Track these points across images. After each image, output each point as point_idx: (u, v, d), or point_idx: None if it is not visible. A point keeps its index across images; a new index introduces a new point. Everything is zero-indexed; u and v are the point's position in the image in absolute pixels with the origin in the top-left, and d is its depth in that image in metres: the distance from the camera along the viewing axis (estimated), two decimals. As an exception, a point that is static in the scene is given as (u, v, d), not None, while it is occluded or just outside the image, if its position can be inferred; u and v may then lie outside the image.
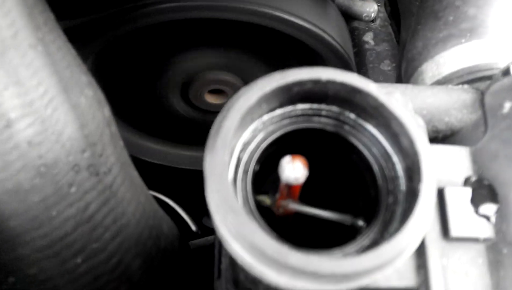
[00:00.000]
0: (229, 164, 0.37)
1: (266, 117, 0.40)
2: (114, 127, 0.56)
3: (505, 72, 0.54)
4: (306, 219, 0.44)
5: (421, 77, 0.66)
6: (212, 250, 0.64)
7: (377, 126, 0.40)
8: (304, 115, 0.41)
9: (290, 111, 0.41)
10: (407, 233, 0.32)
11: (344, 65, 0.84)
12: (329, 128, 0.42)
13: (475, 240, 0.40)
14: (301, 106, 0.40)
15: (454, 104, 0.57)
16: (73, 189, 0.48)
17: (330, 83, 0.38)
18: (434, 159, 0.43)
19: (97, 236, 0.51)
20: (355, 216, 0.42)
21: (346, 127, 0.41)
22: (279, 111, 0.40)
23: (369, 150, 0.41)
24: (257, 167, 0.42)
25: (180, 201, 0.90)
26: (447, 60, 0.64)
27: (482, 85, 0.60)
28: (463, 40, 0.63)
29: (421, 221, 0.33)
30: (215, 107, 1.03)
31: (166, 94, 1.00)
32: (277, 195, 0.43)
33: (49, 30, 0.49)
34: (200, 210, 0.88)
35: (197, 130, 1.08)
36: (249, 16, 0.79)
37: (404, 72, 0.72)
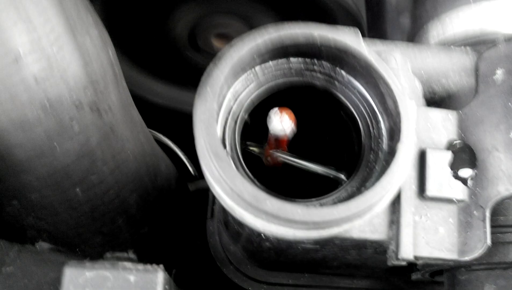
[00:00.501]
0: (218, 112, 0.38)
1: (258, 68, 0.41)
2: (117, 67, 0.58)
3: (508, 39, 0.54)
4: (293, 170, 0.46)
5: (425, 36, 0.65)
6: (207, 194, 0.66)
7: (366, 84, 0.41)
8: (297, 68, 0.42)
9: (283, 64, 0.42)
10: (378, 190, 0.34)
11: (355, 21, 0.83)
12: (320, 83, 0.43)
13: (449, 201, 0.42)
14: (293, 60, 0.41)
15: (453, 66, 0.58)
16: (74, 123, 0.50)
17: (322, 40, 0.38)
18: (419, 121, 0.44)
19: (96, 169, 0.54)
20: (339, 170, 0.44)
21: (337, 84, 0.42)
22: (271, 63, 0.41)
23: (357, 107, 0.42)
24: (247, 117, 0.43)
25: (182, 144, 0.93)
26: (453, 20, 0.63)
27: (484, 48, 0.60)
28: (471, 1, 0.62)
29: (393, 181, 0.35)
30: (222, 52, 1.03)
31: (174, 37, 1.00)
32: (266, 145, 0.45)
33: None
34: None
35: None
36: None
37: (410, 29, 0.72)
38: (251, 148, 0.47)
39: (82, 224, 0.57)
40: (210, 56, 1.05)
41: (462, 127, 0.44)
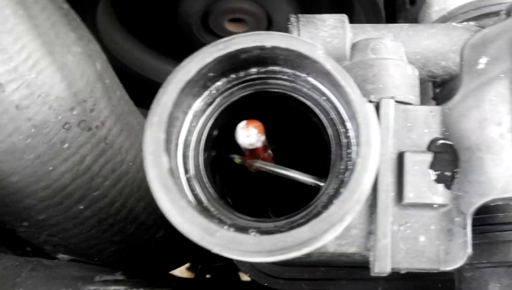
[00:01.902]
0: (177, 137, 0.38)
1: (220, 83, 0.40)
2: (108, 79, 0.58)
3: (509, 11, 0.48)
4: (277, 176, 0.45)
5: (428, 11, 0.60)
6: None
7: (331, 89, 0.38)
8: (259, 78, 0.40)
9: (245, 75, 0.40)
10: (335, 210, 0.33)
11: (372, 3, 0.78)
12: (286, 89, 0.41)
13: (430, 206, 0.39)
14: (254, 70, 0.40)
15: (453, 46, 0.53)
16: (66, 145, 0.52)
17: (277, 49, 0.37)
18: (399, 120, 0.41)
19: (96, 185, 0.56)
20: (321, 178, 0.42)
21: (304, 90, 0.40)
22: (233, 76, 0.40)
23: (326, 113, 0.40)
24: (216, 132, 0.43)
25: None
26: (456, -9, 0.58)
27: (489, 22, 0.54)
28: (474, -32, 0.57)
29: (351, 199, 0.33)
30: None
31: (187, 22, 1.00)
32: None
33: None
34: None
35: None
36: None
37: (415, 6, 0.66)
38: (234, 159, 0.46)
39: (93, 236, 0.59)
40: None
41: (446, 123, 0.40)
